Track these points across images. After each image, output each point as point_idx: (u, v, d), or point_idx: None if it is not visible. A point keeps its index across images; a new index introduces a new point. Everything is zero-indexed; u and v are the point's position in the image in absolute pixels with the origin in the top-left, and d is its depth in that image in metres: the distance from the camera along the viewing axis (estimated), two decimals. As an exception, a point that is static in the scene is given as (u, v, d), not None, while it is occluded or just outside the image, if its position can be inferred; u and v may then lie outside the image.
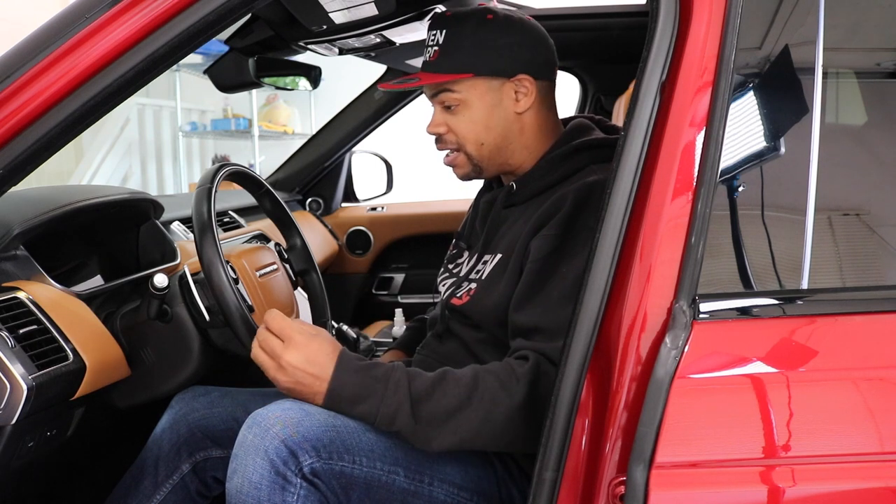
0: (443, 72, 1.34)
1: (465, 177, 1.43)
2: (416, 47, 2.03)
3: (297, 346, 1.16)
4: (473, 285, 1.35)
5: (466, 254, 1.47)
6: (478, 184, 1.55)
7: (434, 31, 1.37)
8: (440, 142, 1.40)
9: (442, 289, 1.47)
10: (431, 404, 1.15)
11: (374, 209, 2.93)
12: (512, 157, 1.38)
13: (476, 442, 1.17)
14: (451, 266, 1.50)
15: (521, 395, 1.15)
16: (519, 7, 2.23)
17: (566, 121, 1.45)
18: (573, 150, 1.34)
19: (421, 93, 2.76)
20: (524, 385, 1.15)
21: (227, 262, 1.36)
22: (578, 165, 1.33)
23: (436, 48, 1.35)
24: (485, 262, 1.37)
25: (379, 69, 2.56)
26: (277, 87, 1.99)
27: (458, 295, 1.37)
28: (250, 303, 1.41)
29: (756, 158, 1.01)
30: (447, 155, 1.41)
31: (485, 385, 1.16)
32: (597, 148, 1.34)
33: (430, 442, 1.16)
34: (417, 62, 2.37)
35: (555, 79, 1.42)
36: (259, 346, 1.19)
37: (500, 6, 1.41)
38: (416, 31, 1.77)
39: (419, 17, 1.66)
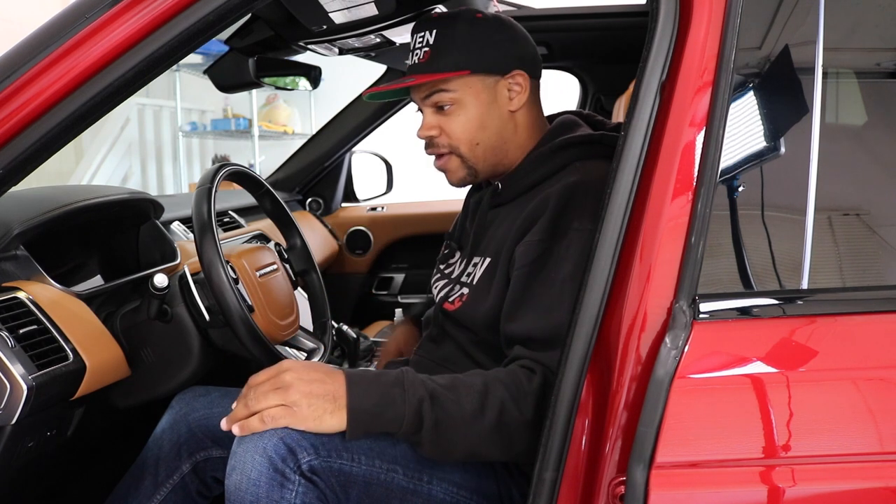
0: (437, 71, 1.32)
1: (460, 181, 1.40)
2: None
3: (296, 387, 1.09)
4: (466, 290, 1.35)
5: (458, 254, 1.47)
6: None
7: (422, 33, 1.35)
8: (431, 146, 1.38)
9: (435, 291, 1.47)
10: (449, 405, 1.11)
11: (374, 209, 2.93)
12: (506, 157, 1.38)
13: (492, 451, 1.15)
14: (442, 267, 1.50)
15: (531, 412, 1.13)
16: (519, 7, 2.23)
17: (552, 117, 1.45)
18: (557, 147, 1.34)
19: (410, 100, 2.75)
20: (533, 401, 1.14)
21: (227, 262, 1.36)
22: (562, 163, 1.33)
23: (426, 49, 1.33)
24: (475, 265, 1.36)
25: (379, 69, 2.56)
26: (277, 87, 1.99)
27: (450, 299, 1.37)
28: (250, 303, 1.41)
29: (756, 158, 1.01)
30: (438, 159, 1.39)
31: (495, 395, 1.13)
32: (580, 145, 1.34)
33: (449, 452, 1.13)
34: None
35: (541, 76, 1.42)
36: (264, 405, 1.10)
37: (503, 7, 1.41)
38: (416, 32, 1.77)
39: (419, 18, 1.65)
